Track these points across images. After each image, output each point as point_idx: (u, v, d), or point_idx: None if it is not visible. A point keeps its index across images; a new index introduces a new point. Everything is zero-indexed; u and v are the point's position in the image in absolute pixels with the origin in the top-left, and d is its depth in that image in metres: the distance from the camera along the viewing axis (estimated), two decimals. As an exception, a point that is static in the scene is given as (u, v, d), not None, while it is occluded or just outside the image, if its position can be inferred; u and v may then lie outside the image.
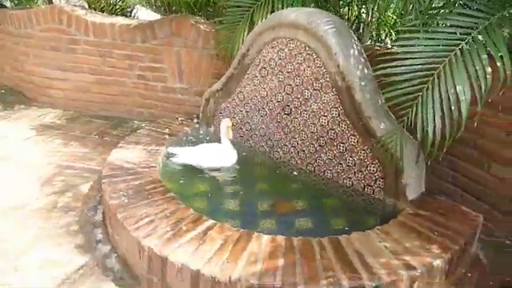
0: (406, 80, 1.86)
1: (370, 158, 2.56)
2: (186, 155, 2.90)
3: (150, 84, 4.32)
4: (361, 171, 2.62)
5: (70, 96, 4.63)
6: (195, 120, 3.65)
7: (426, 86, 1.86)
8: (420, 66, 1.88)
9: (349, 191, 2.67)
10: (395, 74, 1.88)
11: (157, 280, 2.08)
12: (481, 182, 2.80)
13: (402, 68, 1.92)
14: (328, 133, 2.71)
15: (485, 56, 1.76)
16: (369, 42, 3.44)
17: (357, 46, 2.47)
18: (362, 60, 2.49)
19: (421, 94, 1.87)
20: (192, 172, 2.87)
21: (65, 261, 2.35)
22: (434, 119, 1.82)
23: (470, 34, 1.84)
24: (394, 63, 1.95)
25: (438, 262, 2.00)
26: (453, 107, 1.78)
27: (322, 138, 2.75)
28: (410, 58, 1.89)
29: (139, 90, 4.38)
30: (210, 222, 2.22)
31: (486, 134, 2.72)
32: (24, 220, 2.71)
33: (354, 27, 3.56)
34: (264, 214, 2.42)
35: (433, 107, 1.82)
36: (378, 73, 2.09)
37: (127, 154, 2.96)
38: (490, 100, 2.63)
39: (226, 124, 2.90)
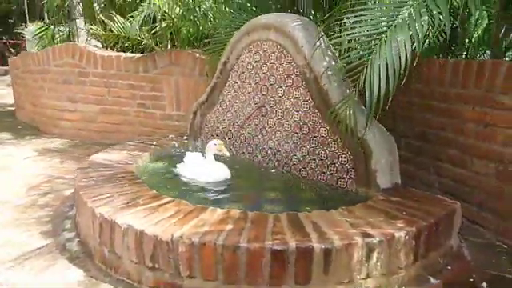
0: (355, 48, 1.90)
1: (341, 148, 2.51)
2: (182, 169, 2.82)
3: (150, 112, 4.52)
4: (333, 163, 2.56)
5: (77, 126, 4.88)
6: (185, 136, 3.73)
7: (373, 50, 1.90)
8: (368, 33, 1.93)
9: (323, 186, 2.58)
10: (348, 42, 1.93)
11: (107, 251, 2.02)
12: (466, 182, 2.67)
13: (352, 36, 1.98)
14: (301, 128, 2.71)
15: (426, 18, 1.81)
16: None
17: (324, 40, 2.56)
18: (330, 53, 2.57)
19: (369, 58, 1.90)
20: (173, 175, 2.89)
21: (26, 243, 2.34)
22: (380, 78, 1.83)
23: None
24: (344, 33, 2.02)
25: (400, 234, 1.85)
26: (396, 65, 1.80)
27: (296, 134, 2.74)
28: (358, 27, 1.96)
29: (140, 118, 4.58)
30: (169, 199, 2.19)
31: (466, 131, 2.65)
32: (3, 211, 2.77)
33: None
34: (233, 202, 2.36)
35: (379, 69, 1.84)
36: (332, 42, 2.15)
37: (109, 156, 3.03)
38: (465, 94, 2.63)
39: (213, 143, 2.78)
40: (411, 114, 3.04)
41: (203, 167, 2.72)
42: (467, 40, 3.86)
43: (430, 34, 3.52)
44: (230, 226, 1.86)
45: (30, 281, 1.97)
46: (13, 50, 13.67)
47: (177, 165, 2.86)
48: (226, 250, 1.72)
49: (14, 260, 2.15)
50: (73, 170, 3.67)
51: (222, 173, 2.70)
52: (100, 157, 3.00)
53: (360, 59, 1.95)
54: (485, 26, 4.23)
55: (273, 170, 2.85)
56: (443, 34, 3.52)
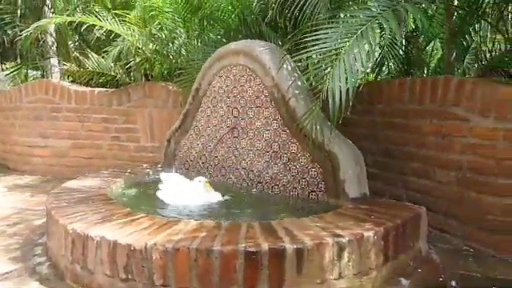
0: (318, 62, 2.06)
1: (310, 162, 2.61)
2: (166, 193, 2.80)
3: (124, 144, 4.54)
4: (304, 178, 2.64)
5: (48, 162, 4.81)
6: (159, 165, 3.76)
7: (333, 64, 2.06)
8: (326, 49, 2.11)
9: (295, 200, 2.65)
10: (308, 58, 2.09)
11: (79, 268, 1.99)
12: (431, 192, 2.80)
13: (313, 52, 2.15)
14: (272, 146, 2.81)
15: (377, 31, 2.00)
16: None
17: (289, 63, 2.74)
18: (296, 75, 2.73)
19: (330, 71, 2.06)
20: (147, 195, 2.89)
21: (-6, 268, 2.27)
22: (340, 88, 1.98)
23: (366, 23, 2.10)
24: (306, 50, 2.18)
25: (369, 234, 1.93)
26: (353, 74, 1.96)
27: (267, 153, 2.84)
28: (319, 44, 2.13)
29: (113, 151, 4.58)
30: (143, 214, 2.20)
31: (426, 144, 2.82)
32: (-32, 241, 2.68)
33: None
34: (207, 217, 2.37)
35: (339, 79, 1.99)
36: (296, 58, 2.32)
37: (82, 182, 3.02)
38: (422, 109, 2.82)
39: (199, 181, 2.80)
40: (375, 133, 3.21)
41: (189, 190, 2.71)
42: (425, 69, 4.17)
43: (389, 60, 3.83)
44: (203, 234, 1.89)
45: (-2, 302, 1.91)
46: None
47: (159, 186, 2.87)
48: (199, 254, 1.74)
49: (-20, 284, 2.08)
50: (43, 203, 3.62)
51: (212, 195, 2.69)
52: (73, 183, 2.98)
53: (321, 73, 2.10)
54: (440, 55, 4.60)
55: (243, 193, 2.90)
56: (401, 63, 3.82)
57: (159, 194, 2.79)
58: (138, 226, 2.01)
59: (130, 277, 1.82)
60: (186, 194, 2.70)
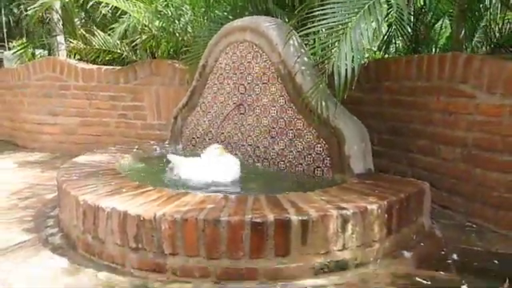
0: (324, 37, 2.06)
1: (316, 137, 2.63)
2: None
3: (131, 122, 4.58)
4: (309, 154, 2.67)
5: (57, 139, 4.88)
6: (166, 142, 3.80)
7: (339, 39, 2.06)
8: (333, 24, 2.10)
9: (301, 176, 2.69)
10: (314, 33, 2.09)
11: (90, 238, 2.06)
12: (436, 169, 2.82)
13: (320, 27, 2.15)
14: (278, 123, 2.83)
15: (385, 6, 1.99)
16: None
17: (296, 39, 2.73)
18: (303, 51, 2.72)
19: (336, 46, 2.06)
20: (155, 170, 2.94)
21: (8, 238, 2.35)
22: (346, 64, 1.98)
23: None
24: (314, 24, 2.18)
25: (372, 207, 1.96)
26: (359, 49, 1.96)
27: (273, 129, 2.86)
28: (325, 19, 2.13)
29: (121, 128, 4.63)
30: (152, 187, 2.25)
31: (433, 121, 2.82)
32: (-18, 214, 2.76)
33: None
34: (214, 191, 2.41)
35: (345, 55, 2.00)
36: (302, 33, 2.32)
37: (91, 157, 3.07)
38: (429, 86, 2.82)
39: (214, 148, 2.72)
40: (382, 110, 3.21)
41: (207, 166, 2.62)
42: (433, 47, 4.13)
43: (397, 38, 3.80)
44: (211, 205, 1.94)
45: (14, 269, 1.98)
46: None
47: (170, 161, 2.85)
48: (207, 224, 1.79)
49: (-4, 252, 2.16)
50: (54, 178, 3.69)
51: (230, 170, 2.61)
52: (82, 158, 3.04)
53: (327, 48, 2.11)
54: (448, 33, 4.55)
55: (250, 167, 2.93)
56: (409, 40, 3.78)
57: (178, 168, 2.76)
58: (148, 197, 2.06)
59: (140, 246, 1.88)
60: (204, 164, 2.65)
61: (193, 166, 2.69)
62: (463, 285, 1.80)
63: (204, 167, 2.65)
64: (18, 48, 5.92)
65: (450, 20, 4.17)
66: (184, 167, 2.70)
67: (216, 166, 2.62)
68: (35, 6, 4.49)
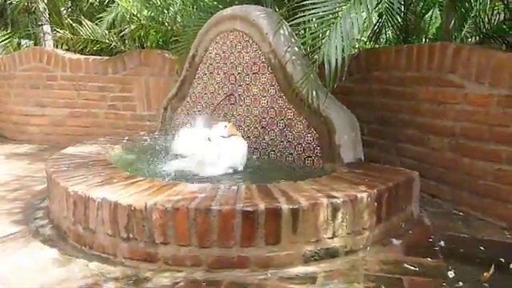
0: (315, 27, 2.06)
1: (306, 127, 2.64)
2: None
3: (120, 113, 4.54)
4: (300, 144, 2.68)
5: (45, 131, 4.82)
6: (156, 133, 3.78)
7: (329, 29, 2.06)
8: (323, 14, 2.10)
9: (292, 166, 2.70)
10: (305, 23, 2.09)
11: (81, 228, 2.05)
12: (425, 159, 2.86)
13: (310, 16, 2.14)
14: (268, 112, 2.83)
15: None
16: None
17: (287, 28, 2.72)
18: (293, 40, 2.72)
19: (326, 36, 2.06)
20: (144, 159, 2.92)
21: (-3, 230, 2.33)
22: (336, 54, 1.99)
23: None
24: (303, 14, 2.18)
25: (362, 195, 1.98)
26: (349, 38, 1.97)
27: (264, 119, 2.86)
28: (315, 8, 2.13)
29: (110, 119, 4.59)
30: (142, 177, 2.24)
31: (422, 111, 2.85)
32: (-31, 206, 2.73)
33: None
34: (203, 182, 2.42)
35: (335, 45, 2.00)
36: (292, 23, 2.31)
37: (80, 149, 3.05)
38: (419, 76, 2.84)
39: (223, 125, 2.59)
40: (371, 100, 3.23)
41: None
42: (423, 37, 4.15)
43: (387, 28, 3.81)
44: (202, 195, 1.94)
45: (4, 260, 1.96)
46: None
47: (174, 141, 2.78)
48: (198, 213, 1.80)
49: (-15, 245, 2.14)
50: (43, 170, 3.65)
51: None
52: (71, 149, 3.01)
53: (318, 38, 2.11)
54: (438, 24, 4.58)
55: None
56: (399, 31, 3.80)
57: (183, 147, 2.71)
58: (138, 187, 2.05)
59: (131, 236, 1.88)
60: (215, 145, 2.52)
61: (199, 148, 2.56)
62: (450, 270, 1.84)
63: (211, 149, 2.52)
64: (3, 38, 5.80)
65: (440, 10, 4.20)
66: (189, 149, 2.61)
67: (225, 148, 2.48)
68: (20, -6, 4.41)
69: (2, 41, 5.87)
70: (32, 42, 5.67)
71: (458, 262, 1.93)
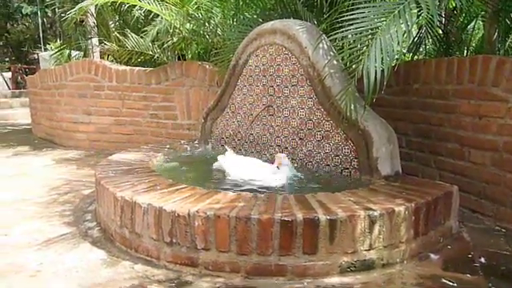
0: (353, 41, 2.10)
1: (344, 139, 2.67)
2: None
3: (162, 122, 4.74)
4: (337, 155, 2.71)
5: (91, 138, 5.10)
6: (195, 142, 3.91)
7: (369, 43, 2.10)
8: (363, 29, 2.14)
9: (328, 177, 2.73)
10: (343, 38, 2.13)
11: (127, 232, 2.17)
12: (465, 173, 2.81)
13: (349, 32, 2.19)
14: (306, 124, 2.88)
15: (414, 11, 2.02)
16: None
17: (326, 42, 2.77)
18: (332, 53, 2.76)
19: (366, 50, 2.10)
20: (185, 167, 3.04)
21: (50, 231, 2.51)
22: (376, 68, 2.02)
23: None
24: (343, 29, 2.22)
25: (400, 209, 1.99)
26: (389, 54, 1.99)
27: (301, 131, 2.91)
28: (355, 23, 2.17)
29: (152, 128, 4.79)
30: (185, 185, 2.35)
31: (463, 124, 2.81)
32: (25, 207, 2.95)
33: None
34: (242, 190, 2.49)
35: (375, 58, 2.03)
36: (331, 38, 2.36)
37: (125, 156, 3.21)
38: (460, 89, 2.80)
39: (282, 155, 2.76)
40: (410, 113, 3.21)
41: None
42: (465, 49, 4.07)
43: (427, 40, 3.77)
44: (242, 204, 2.02)
45: (56, 260, 2.12)
46: (25, 77, 14.28)
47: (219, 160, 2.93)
48: (238, 221, 1.87)
49: (40, 244, 2.31)
50: (90, 175, 3.87)
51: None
52: (116, 156, 3.18)
53: (357, 52, 2.14)
54: (481, 35, 4.47)
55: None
56: (439, 43, 3.75)
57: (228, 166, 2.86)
58: (181, 194, 2.16)
59: (174, 240, 1.98)
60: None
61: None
62: (490, 288, 1.81)
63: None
64: (56, 50, 6.20)
65: (482, 22, 4.11)
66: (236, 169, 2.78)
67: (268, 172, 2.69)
68: (73, 10, 4.70)
69: (56, 52, 6.28)
70: (81, 53, 6.02)
71: (498, 279, 1.90)
